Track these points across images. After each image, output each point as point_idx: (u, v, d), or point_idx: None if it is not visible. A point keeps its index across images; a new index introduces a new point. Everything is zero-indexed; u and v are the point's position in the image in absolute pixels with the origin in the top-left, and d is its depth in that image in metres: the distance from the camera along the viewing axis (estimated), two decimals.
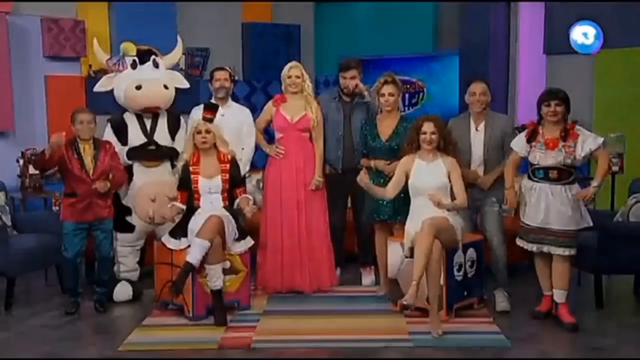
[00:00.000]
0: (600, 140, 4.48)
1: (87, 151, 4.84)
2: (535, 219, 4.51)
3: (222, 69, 5.58)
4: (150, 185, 5.12)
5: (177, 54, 5.56)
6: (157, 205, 5.09)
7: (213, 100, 5.40)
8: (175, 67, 5.76)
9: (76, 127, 4.84)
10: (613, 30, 7.49)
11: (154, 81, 5.15)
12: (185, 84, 5.45)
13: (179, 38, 5.60)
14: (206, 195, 4.83)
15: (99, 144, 4.92)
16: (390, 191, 4.75)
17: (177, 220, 4.96)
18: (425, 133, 4.66)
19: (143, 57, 5.25)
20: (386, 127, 5.06)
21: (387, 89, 5.00)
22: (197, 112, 5.27)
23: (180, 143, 5.20)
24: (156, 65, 5.27)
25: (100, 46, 5.42)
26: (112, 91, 5.23)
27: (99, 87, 5.22)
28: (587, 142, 4.43)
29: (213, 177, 4.83)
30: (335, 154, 5.41)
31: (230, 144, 5.09)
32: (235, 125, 5.40)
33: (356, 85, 5.36)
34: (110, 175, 4.90)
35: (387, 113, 5.07)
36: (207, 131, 4.86)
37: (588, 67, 7.69)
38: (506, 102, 8.13)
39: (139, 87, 5.08)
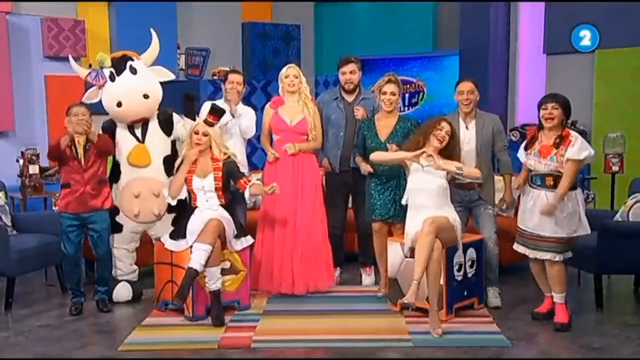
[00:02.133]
0: (585, 155, 4.33)
1: (80, 142, 4.86)
2: (529, 224, 4.50)
3: (237, 72, 5.59)
4: (135, 182, 5.10)
5: (154, 50, 5.37)
6: (141, 201, 5.09)
7: (222, 100, 5.41)
8: (175, 67, 5.75)
9: (71, 120, 4.83)
10: (613, 30, 7.50)
11: (132, 93, 5.06)
12: (170, 76, 5.37)
13: (152, 31, 5.38)
14: (201, 194, 4.83)
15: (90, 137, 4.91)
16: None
17: (163, 217, 5.04)
18: (441, 130, 4.61)
19: (119, 66, 5.14)
20: (385, 126, 5.06)
21: (390, 88, 4.99)
22: (206, 109, 5.31)
23: (179, 134, 5.24)
24: (134, 71, 5.16)
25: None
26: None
27: (86, 100, 5.14)
28: (570, 150, 4.32)
29: (206, 176, 4.83)
30: (334, 153, 5.40)
31: (236, 143, 5.18)
32: (241, 126, 5.43)
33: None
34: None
35: (386, 113, 5.06)
36: (204, 134, 4.84)
37: (588, 67, 7.70)
38: (506, 102, 8.13)
39: (119, 104, 5.03)
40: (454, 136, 4.68)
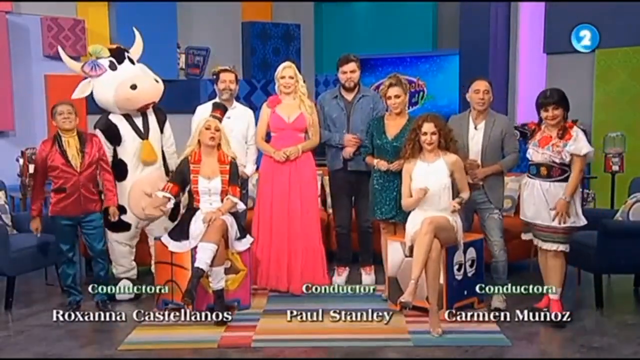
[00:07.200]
0: (586, 151, 4.40)
1: (71, 144, 4.78)
2: (526, 213, 4.61)
3: (228, 70, 5.55)
4: (143, 180, 5.10)
5: (138, 47, 5.42)
6: (152, 200, 5.10)
7: (218, 99, 5.41)
8: (175, 66, 5.75)
9: (56, 119, 4.79)
10: (613, 30, 7.50)
11: (146, 77, 5.13)
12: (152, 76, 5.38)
13: (135, 30, 5.44)
14: (205, 196, 4.81)
15: (84, 137, 4.86)
16: (406, 202, 4.74)
17: (168, 213, 5.05)
18: (425, 134, 4.65)
19: (119, 56, 5.18)
20: (394, 126, 5.03)
21: (393, 91, 4.97)
22: (203, 110, 5.30)
23: (168, 135, 5.31)
24: (132, 62, 5.23)
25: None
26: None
27: (79, 94, 5.12)
28: (572, 146, 4.39)
29: (213, 178, 4.80)
30: (338, 152, 5.35)
31: (236, 144, 5.14)
32: (240, 126, 5.41)
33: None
34: (103, 195, 4.94)
35: (395, 115, 5.04)
36: (217, 129, 4.82)
37: (588, 66, 7.70)
38: (506, 101, 8.13)
39: (134, 87, 5.02)
40: (442, 130, 4.66)
